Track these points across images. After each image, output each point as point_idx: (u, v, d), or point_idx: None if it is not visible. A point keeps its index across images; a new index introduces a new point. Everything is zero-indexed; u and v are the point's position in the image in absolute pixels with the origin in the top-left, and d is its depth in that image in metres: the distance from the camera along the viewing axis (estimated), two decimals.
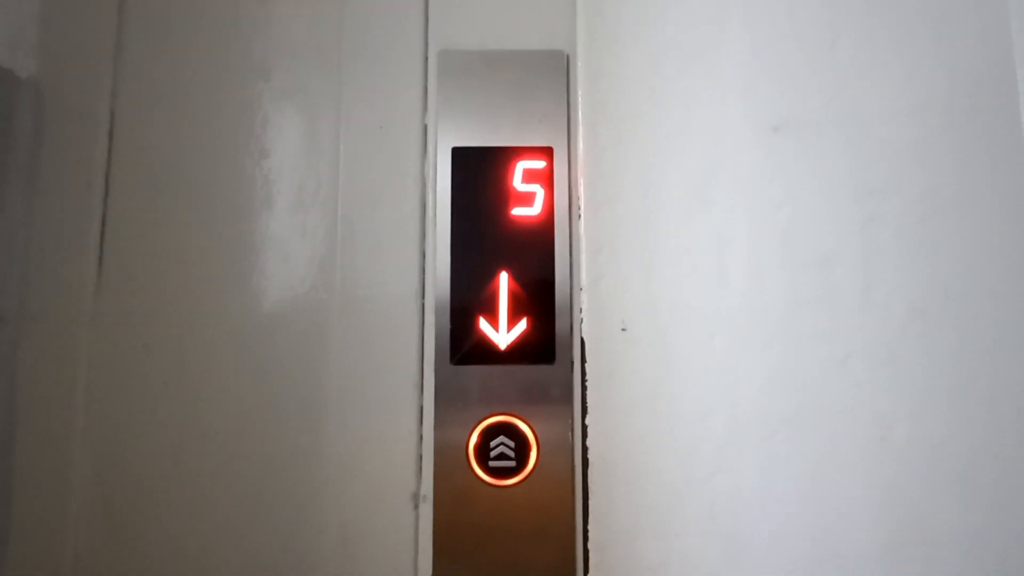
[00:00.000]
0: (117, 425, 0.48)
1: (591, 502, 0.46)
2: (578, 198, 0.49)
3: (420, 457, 0.47)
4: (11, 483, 0.47)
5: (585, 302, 0.48)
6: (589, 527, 0.46)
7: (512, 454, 0.47)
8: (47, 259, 0.49)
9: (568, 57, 0.51)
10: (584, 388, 0.47)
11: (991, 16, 0.49)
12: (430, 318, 0.49)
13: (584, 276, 0.48)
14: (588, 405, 0.47)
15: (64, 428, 0.48)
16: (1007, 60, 0.48)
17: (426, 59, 0.52)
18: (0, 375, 0.48)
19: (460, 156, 0.50)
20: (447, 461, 0.47)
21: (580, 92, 0.51)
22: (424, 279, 0.49)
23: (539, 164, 0.50)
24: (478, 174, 0.50)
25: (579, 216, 0.49)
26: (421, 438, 0.48)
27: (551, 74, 0.51)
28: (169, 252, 0.50)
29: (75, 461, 0.47)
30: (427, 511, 0.47)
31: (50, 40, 0.51)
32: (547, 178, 0.50)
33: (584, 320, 0.48)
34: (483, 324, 0.48)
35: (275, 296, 0.49)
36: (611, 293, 0.48)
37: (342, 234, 0.50)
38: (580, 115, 0.50)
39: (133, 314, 0.49)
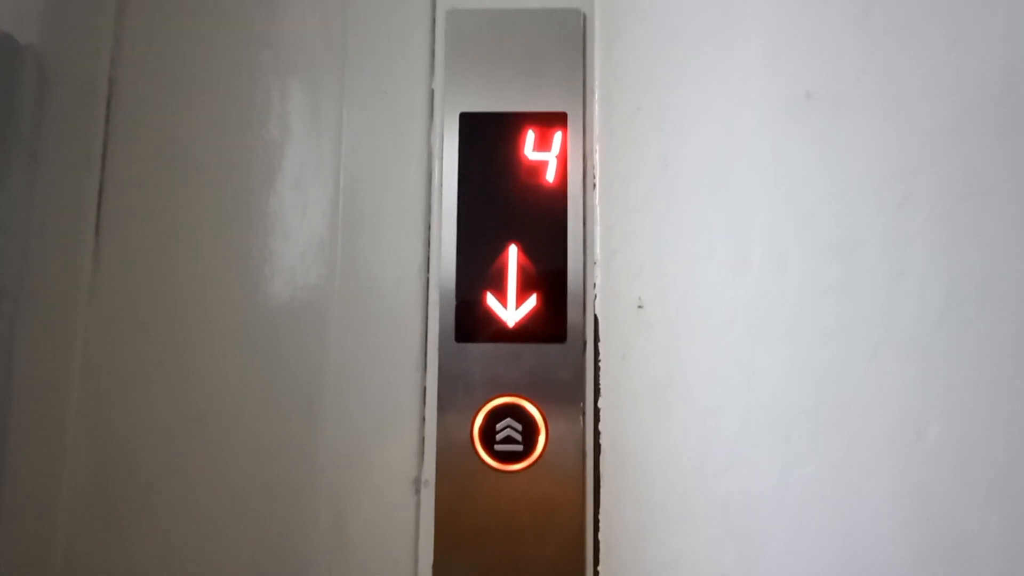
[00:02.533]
0: (112, 403, 0.46)
1: (603, 490, 0.43)
2: (593, 167, 0.46)
3: (422, 440, 0.45)
4: (5, 458, 0.46)
5: (599, 278, 0.45)
6: (600, 517, 0.43)
7: (519, 438, 0.44)
8: (47, 234, 0.48)
9: (585, 16, 0.48)
10: (597, 369, 0.44)
11: None
12: (434, 294, 0.46)
13: (599, 251, 0.45)
14: (601, 387, 0.44)
15: (60, 405, 0.46)
16: None
17: (433, 20, 0.49)
18: None
19: (468, 122, 0.47)
20: (450, 444, 0.44)
21: (597, 54, 0.47)
22: (428, 253, 0.47)
23: (552, 131, 0.47)
24: (487, 141, 0.47)
25: (594, 187, 0.46)
26: (423, 420, 0.45)
27: (566, 34, 0.48)
28: (167, 228, 0.48)
29: (70, 438, 0.46)
30: (429, 496, 0.44)
31: (52, 7, 0.50)
32: (560, 146, 0.47)
33: (598, 297, 0.45)
34: (490, 300, 0.45)
35: (275, 273, 0.47)
36: (626, 270, 0.45)
37: (344, 206, 0.48)
38: (596, 79, 0.47)
39: (130, 291, 0.47)
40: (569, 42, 0.48)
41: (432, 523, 0.44)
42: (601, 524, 0.43)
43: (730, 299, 0.45)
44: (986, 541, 0.41)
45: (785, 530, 0.42)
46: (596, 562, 0.42)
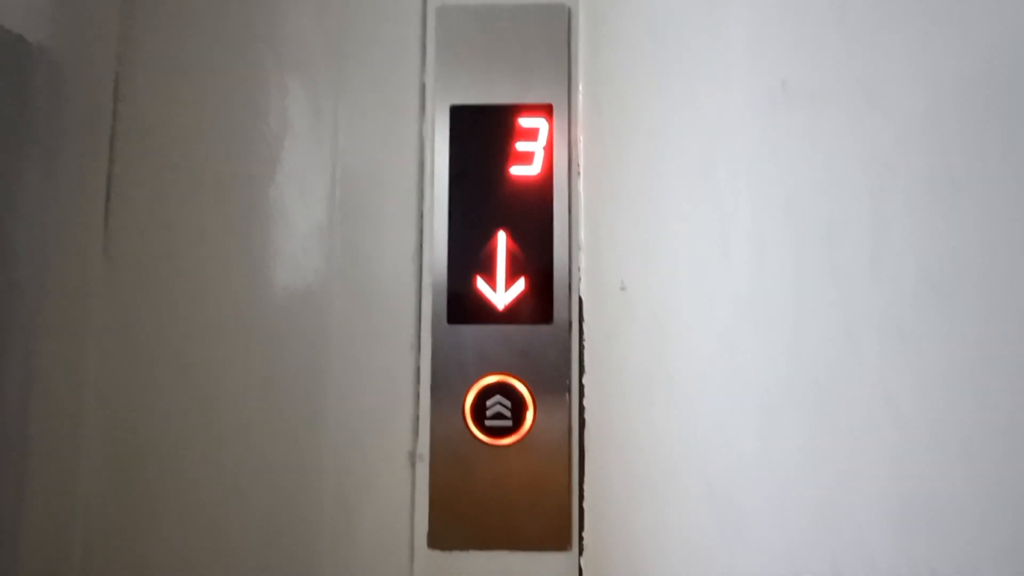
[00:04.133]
0: (126, 388, 0.49)
1: (587, 462, 0.45)
2: (578, 156, 0.49)
3: (417, 417, 0.48)
4: (28, 444, 0.48)
5: (583, 262, 0.47)
6: (584, 487, 0.45)
7: (508, 414, 0.47)
8: (60, 228, 0.50)
9: (570, 11, 0.50)
10: (582, 348, 0.47)
11: None
12: (427, 278, 0.49)
13: (583, 236, 0.48)
14: (585, 365, 0.46)
15: (77, 391, 0.49)
16: None
17: (424, 16, 0.51)
18: (17, 343, 0.49)
19: (459, 114, 0.50)
20: (444, 420, 0.47)
21: (581, 48, 0.49)
22: (422, 239, 0.49)
23: (538, 122, 0.49)
24: (477, 132, 0.49)
25: (578, 175, 0.48)
26: (418, 397, 0.48)
27: (552, 28, 0.50)
28: (174, 219, 0.50)
29: (87, 421, 0.48)
30: (423, 470, 0.47)
31: (61, 8, 0.52)
32: (547, 136, 0.49)
33: (582, 280, 0.47)
34: (481, 284, 0.48)
35: (277, 261, 0.50)
36: (610, 254, 0.47)
37: (341, 196, 0.50)
38: (581, 71, 0.49)
39: (140, 281, 0.50)
40: (555, 36, 0.50)
41: (427, 494, 0.47)
42: (586, 493, 0.45)
43: (711, 280, 0.47)
44: (959, 509, 0.43)
45: (767, 499, 0.45)
46: (581, 528, 0.45)
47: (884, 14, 0.47)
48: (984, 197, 0.45)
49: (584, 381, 0.46)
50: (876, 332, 0.45)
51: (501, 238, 0.48)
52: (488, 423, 0.47)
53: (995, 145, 0.46)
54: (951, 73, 0.46)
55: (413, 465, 0.47)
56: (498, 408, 0.47)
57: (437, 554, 0.46)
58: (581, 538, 0.45)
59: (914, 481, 0.43)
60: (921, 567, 0.43)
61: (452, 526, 0.46)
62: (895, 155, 0.46)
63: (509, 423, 0.47)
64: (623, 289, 0.46)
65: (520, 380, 0.47)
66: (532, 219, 0.48)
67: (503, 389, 0.47)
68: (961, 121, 0.46)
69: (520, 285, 0.48)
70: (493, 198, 0.49)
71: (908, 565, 0.43)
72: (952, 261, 0.45)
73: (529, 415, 0.47)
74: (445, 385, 0.47)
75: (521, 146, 0.49)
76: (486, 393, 0.47)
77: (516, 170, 0.49)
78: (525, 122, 0.49)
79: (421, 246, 0.49)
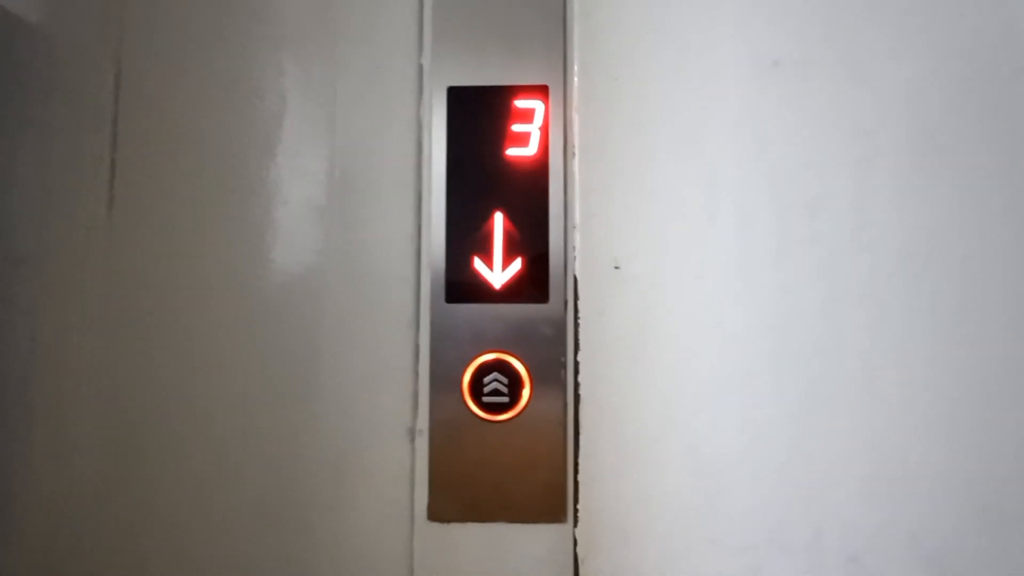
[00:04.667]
0: (126, 361, 0.50)
1: (581, 437, 0.47)
2: (572, 137, 0.49)
3: (416, 393, 0.49)
4: (31, 409, 0.49)
5: (578, 241, 0.48)
6: (579, 461, 0.47)
7: (505, 390, 0.48)
8: (62, 202, 0.51)
9: None
10: (576, 326, 0.48)
11: None
12: (425, 258, 0.49)
13: (578, 216, 0.48)
14: (580, 342, 0.47)
15: (78, 362, 0.50)
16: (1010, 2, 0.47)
17: None
18: (21, 313, 0.50)
19: (456, 96, 0.50)
20: (442, 397, 0.48)
21: (576, 28, 0.50)
22: (419, 219, 0.50)
23: (534, 103, 0.49)
24: (473, 113, 0.50)
25: (573, 155, 0.49)
26: (417, 375, 0.49)
27: (547, 10, 0.50)
28: (175, 195, 0.51)
29: (87, 392, 0.49)
30: (423, 445, 0.48)
31: None
32: (543, 117, 0.49)
33: (577, 259, 0.48)
34: (478, 264, 0.49)
35: (275, 239, 0.50)
36: (603, 232, 0.48)
37: (339, 176, 0.51)
38: (576, 52, 0.50)
39: (141, 256, 0.50)
40: (550, 17, 0.50)
41: (426, 469, 0.48)
42: (580, 466, 0.47)
43: (700, 255, 0.48)
44: (930, 474, 0.45)
45: (748, 467, 0.46)
46: (576, 500, 0.46)
47: None
48: (965, 169, 0.46)
49: (579, 358, 0.47)
50: (855, 300, 0.46)
51: (498, 219, 0.49)
52: (486, 399, 0.48)
53: (976, 118, 0.47)
54: (936, 46, 0.47)
55: (412, 440, 0.48)
56: (495, 385, 0.48)
57: (436, 526, 0.48)
58: (576, 510, 0.46)
59: (887, 447, 0.45)
60: (900, 532, 0.45)
61: (451, 499, 0.47)
62: (877, 127, 0.47)
63: (506, 399, 0.48)
64: (617, 268, 0.47)
65: (517, 358, 0.48)
66: (528, 200, 0.49)
67: (500, 366, 0.48)
68: (943, 94, 0.47)
69: (517, 265, 0.48)
70: (490, 179, 0.49)
71: (887, 530, 0.45)
72: (930, 231, 0.46)
73: (525, 392, 0.48)
74: (443, 363, 0.48)
75: (517, 127, 0.49)
76: (483, 370, 0.48)
77: (512, 152, 0.49)
78: (521, 103, 0.49)
79: (419, 226, 0.50)
